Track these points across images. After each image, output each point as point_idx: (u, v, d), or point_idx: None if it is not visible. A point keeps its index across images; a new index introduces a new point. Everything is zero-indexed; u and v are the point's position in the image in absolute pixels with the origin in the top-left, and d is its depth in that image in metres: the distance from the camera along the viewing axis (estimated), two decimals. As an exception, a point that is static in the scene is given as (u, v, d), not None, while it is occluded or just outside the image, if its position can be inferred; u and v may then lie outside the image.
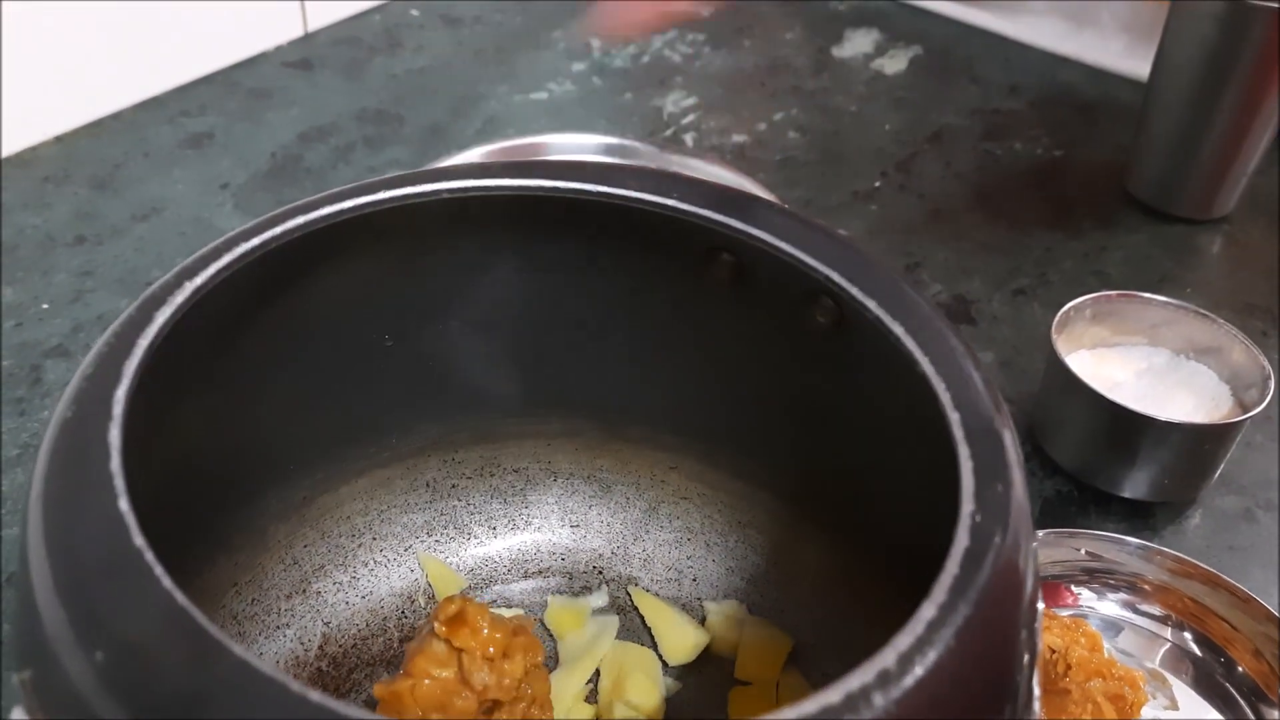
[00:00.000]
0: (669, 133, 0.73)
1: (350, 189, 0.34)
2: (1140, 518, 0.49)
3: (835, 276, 0.32)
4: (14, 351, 0.54)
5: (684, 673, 0.40)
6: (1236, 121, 0.62)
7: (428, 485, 0.43)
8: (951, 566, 0.24)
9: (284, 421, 0.37)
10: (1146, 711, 0.39)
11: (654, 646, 0.41)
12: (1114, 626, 0.43)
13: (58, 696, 0.23)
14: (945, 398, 0.28)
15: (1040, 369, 0.52)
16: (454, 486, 0.43)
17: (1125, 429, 0.47)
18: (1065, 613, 0.43)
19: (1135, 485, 0.48)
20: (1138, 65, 0.79)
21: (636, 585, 0.43)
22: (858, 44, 0.85)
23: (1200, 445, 0.47)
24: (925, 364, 0.29)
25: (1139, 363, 0.51)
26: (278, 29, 0.79)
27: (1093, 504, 0.49)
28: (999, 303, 0.61)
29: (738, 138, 0.73)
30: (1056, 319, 0.50)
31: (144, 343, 0.28)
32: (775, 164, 0.71)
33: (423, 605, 0.41)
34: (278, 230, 0.32)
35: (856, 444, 0.36)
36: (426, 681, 0.33)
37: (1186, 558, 0.43)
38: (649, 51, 0.82)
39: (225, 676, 0.21)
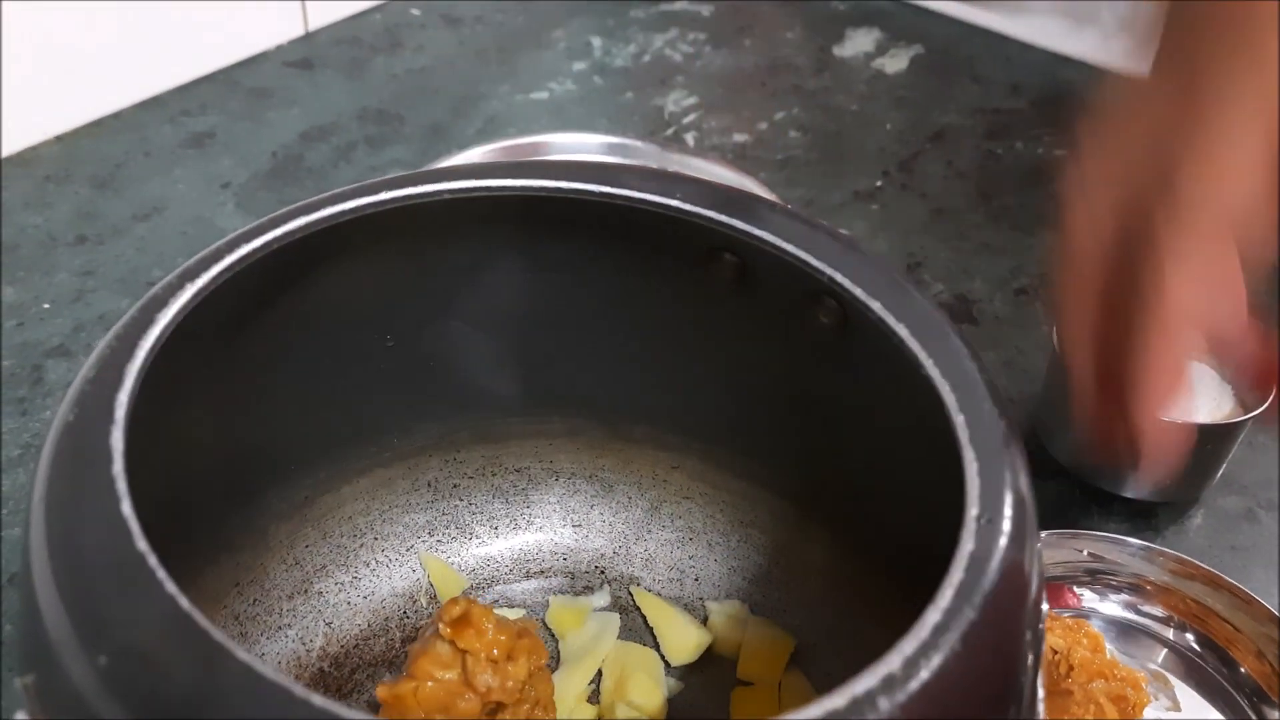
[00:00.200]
0: (670, 132, 0.73)
1: (352, 189, 0.33)
2: (1142, 518, 0.49)
3: (838, 277, 0.32)
4: (15, 351, 0.54)
5: (686, 673, 0.40)
6: (1238, 121, 0.62)
7: (429, 485, 0.43)
8: (957, 570, 0.24)
9: (286, 422, 0.37)
10: (1148, 713, 0.39)
11: (656, 646, 0.41)
12: (1116, 627, 0.43)
13: (61, 700, 0.23)
14: (951, 400, 0.28)
15: (1042, 369, 0.52)
16: (456, 486, 0.43)
17: (1127, 429, 0.46)
18: (1067, 614, 0.43)
19: (1137, 486, 0.48)
20: (1139, 65, 0.78)
21: (638, 585, 0.43)
22: (859, 43, 0.85)
23: (1202, 445, 0.47)
24: (930, 366, 0.29)
25: (1141, 363, 0.51)
26: (278, 28, 0.79)
27: (1095, 504, 0.49)
28: (1001, 302, 0.61)
29: (739, 137, 0.73)
30: (1058, 319, 0.49)
31: (146, 345, 0.28)
32: (776, 163, 0.71)
33: (425, 605, 0.41)
34: (279, 231, 0.32)
35: (859, 444, 0.36)
36: (430, 683, 0.33)
37: (1188, 559, 0.43)
38: (650, 50, 0.82)
39: (229, 681, 0.21)
